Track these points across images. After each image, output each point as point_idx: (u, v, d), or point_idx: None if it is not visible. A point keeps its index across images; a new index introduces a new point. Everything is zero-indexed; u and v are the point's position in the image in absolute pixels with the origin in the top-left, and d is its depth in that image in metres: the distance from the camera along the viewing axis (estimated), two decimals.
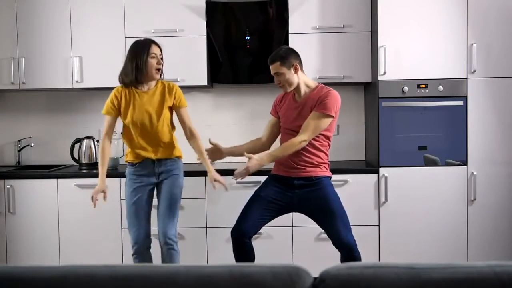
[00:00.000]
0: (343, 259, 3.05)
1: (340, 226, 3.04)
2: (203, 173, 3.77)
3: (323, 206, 3.07)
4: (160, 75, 3.14)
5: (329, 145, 3.16)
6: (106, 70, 3.99)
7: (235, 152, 3.36)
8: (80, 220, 3.82)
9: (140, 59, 3.00)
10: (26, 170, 4.08)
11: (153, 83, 3.12)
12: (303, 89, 3.13)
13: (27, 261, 3.83)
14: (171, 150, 3.18)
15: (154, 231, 3.20)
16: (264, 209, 3.14)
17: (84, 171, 3.97)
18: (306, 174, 3.10)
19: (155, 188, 3.20)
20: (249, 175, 3.10)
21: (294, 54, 3.12)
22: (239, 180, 3.16)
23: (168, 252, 3.12)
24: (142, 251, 3.12)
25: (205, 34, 3.97)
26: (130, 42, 3.92)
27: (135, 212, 3.12)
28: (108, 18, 3.97)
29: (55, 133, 4.38)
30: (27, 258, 3.83)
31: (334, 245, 3.07)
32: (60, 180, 3.84)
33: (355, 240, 3.04)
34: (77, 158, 4.13)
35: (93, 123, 4.35)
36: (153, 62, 3.03)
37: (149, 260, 3.17)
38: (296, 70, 3.09)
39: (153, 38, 3.90)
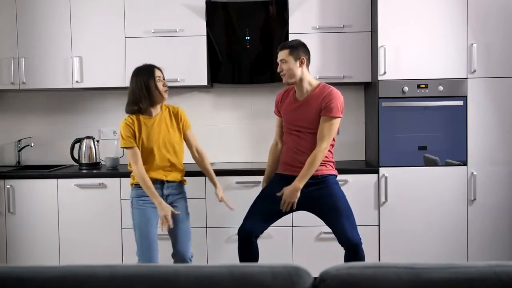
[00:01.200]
0: (347, 257, 3.06)
1: (346, 223, 3.05)
2: (203, 173, 3.77)
3: (330, 204, 3.08)
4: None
5: (333, 144, 3.18)
6: (106, 70, 3.99)
7: (270, 176, 3.33)
8: (80, 220, 3.82)
9: (149, 84, 3.00)
10: (26, 170, 4.08)
11: (158, 108, 3.10)
12: (305, 87, 3.13)
13: (27, 261, 3.83)
14: (181, 173, 3.19)
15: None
16: (270, 208, 3.15)
17: (84, 171, 3.97)
18: (316, 173, 3.11)
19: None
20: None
21: (305, 49, 3.14)
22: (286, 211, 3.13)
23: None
24: None
25: (205, 34, 3.97)
26: (130, 42, 3.97)
27: (152, 242, 3.04)
28: (108, 18, 3.97)
29: (55, 133, 4.38)
30: (27, 258, 3.83)
31: (339, 242, 3.08)
32: (60, 180, 3.84)
33: (360, 238, 3.05)
34: (77, 158, 4.13)
35: (93, 123, 4.35)
36: (160, 85, 3.04)
37: None
38: (301, 64, 3.10)
39: (153, 38, 3.94)
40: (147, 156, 3.05)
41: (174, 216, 3.06)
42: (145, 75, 3.02)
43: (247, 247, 3.16)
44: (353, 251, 3.04)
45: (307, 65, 3.14)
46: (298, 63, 3.09)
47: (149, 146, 3.03)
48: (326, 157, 3.12)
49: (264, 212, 3.17)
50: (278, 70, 3.15)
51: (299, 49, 3.11)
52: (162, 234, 3.19)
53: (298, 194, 3.05)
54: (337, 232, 3.08)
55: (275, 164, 3.31)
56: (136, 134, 3.03)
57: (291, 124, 3.18)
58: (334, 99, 3.05)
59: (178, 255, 3.15)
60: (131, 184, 3.13)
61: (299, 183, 3.04)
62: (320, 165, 3.10)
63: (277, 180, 3.23)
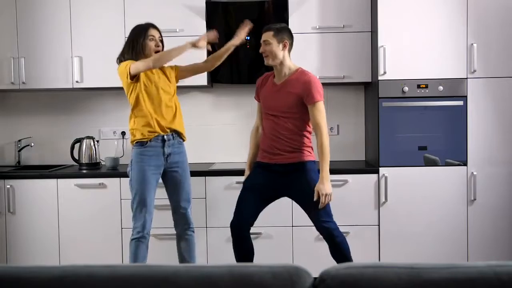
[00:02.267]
0: (329, 246, 3.15)
1: (319, 211, 3.10)
2: (203, 173, 3.78)
3: (306, 190, 3.12)
4: None
5: (310, 131, 3.20)
6: (106, 70, 3.98)
7: (252, 162, 3.38)
8: (80, 220, 3.82)
9: (137, 42, 3.13)
10: (26, 170, 4.08)
11: None
12: (284, 71, 3.19)
13: (27, 261, 3.83)
14: (181, 125, 3.29)
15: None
16: (255, 197, 3.21)
17: (84, 171, 3.97)
18: (289, 160, 3.15)
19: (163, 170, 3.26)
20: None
21: (289, 33, 3.23)
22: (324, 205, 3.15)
23: (190, 238, 3.30)
24: (145, 239, 3.20)
25: None
26: None
27: (148, 207, 3.18)
28: (108, 18, 3.97)
29: (55, 133, 4.38)
30: (27, 258, 3.83)
31: (317, 230, 3.17)
32: (60, 180, 3.84)
33: (336, 224, 3.12)
34: (77, 158, 4.13)
35: (93, 123, 4.35)
36: (151, 44, 3.15)
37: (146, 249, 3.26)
38: (284, 47, 3.17)
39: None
40: (153, 99, 3.15)
41: (174, 179, 3.23)
42: (137, 32, 3.15)
43: (241, 242, 3.22)
44: (329, 238, 3.12)
45: (289, 50, 3.22)
46: (281, 46, 3.16)
47: (154, 86, 3.15)
48: (304, 142, 3.16)
49: (251, 202, 3.22)
50: (260, 51, 3.22)
51: (284, 33, 3.19)
52: (161, 236, 3.19)
53: (329, 183, 3.08)
54: (313, 219, 3.16)
55: (257, 149, 3.36)
56: (141, 75, 3.14)
57: (268, 109, 3.22)
58: (314, 85, 3.10)
59: (180, 219, 3.26)
60: (132, 142, 3.21)
61: (324, 173, 3.08)
62: (296, 151, 3.14)
63: (256, 169, 3.28)
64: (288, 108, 3.13)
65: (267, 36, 3.18)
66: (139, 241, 3.18)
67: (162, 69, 3.29)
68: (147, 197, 3.17)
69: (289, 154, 3.15)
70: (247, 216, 3.22)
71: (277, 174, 3.16)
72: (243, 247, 3.25)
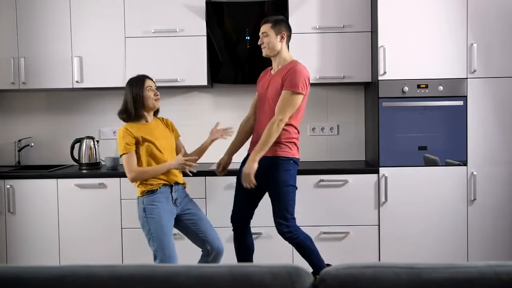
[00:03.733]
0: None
1: (275, 208, 3.19)
2: (203, 173, 3.78)
3: (269, 187, 3.20)
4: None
5: (294, 125, 3.20)
6: (106, 70, 3.99)
7: (234, 150, 3.47)
8: (80, 220, 3.82)
9: (137, 95, 3.13)
10: (26, 170, 4.08)
11: (151, 116, 3.23)
12: (279, 62, 3.25)
13: (27, 261, 3.83)
14: (181, 175, 3.28)
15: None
16: (245, 191, 3.23)
17: (84, 171, 3.97)
18: (266, 153, 3.17)
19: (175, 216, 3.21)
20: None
21: (287, 26, 3.29)
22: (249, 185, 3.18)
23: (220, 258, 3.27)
24: None
25: (205, 34, 3.97)
26: (130, 42, 3.97)
27: (171, 251, 3.09)
28: (108, 18, 3.97)
29: (55, 133, 4.38)
30: (27, 258, 3.83)
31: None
32: (60, 180, 3.84)
33: (287, 227, 3.17)
34: (77, 158, 4.13)
35: (93, 123, 4.35)
36: (150, 94, 3.16)
37: None
38: (282, 39, 3.23)
39: (153, 38, 3.93)
40: (158, 156, 3.12)
41: (191, 217, 3.20)
42: (134, 84, 3.16)
43: (240, 236, 3.35)
44: (284, 238, 3.20)
45: (287, 42, 3.28)
46: (279, 38, 3.22)
47: (161, 146, 3.13)
48: (284, 136, 3.15)
49: (243, 198, 3.31)
50: (259, 43, 3.28)
51: (282, 25, 3.25)
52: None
53: (255, 166, 3.10)
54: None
55: (241, 136, 3.43)
56: (140, 139, 3.09)
57: (260, 100, 3.30)
58: (295, 73, 3.11)
59: (215, 250, 3.21)
60: (141, 193, 3.11)
61: (255, 154, 3.12)
62: (276, 145, 3.15)
63: (244, 161, 3.32)
64: (273, 96, 3.17)
65: (266, 28, 3.24)
66: None
67: (165, 123, 3.30)
68: (170, 245, 3.06)
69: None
70: (243, 210, 3.33)
71: (258, 167, 3.15)
72: (242, 241, 3.35)
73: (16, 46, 4.00)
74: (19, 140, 4.33)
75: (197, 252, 3.67)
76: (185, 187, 3.30)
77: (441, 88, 3.72)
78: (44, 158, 4.38)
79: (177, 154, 3.25)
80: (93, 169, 4.05)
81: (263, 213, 3.48)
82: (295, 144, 3.22)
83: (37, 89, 4.14)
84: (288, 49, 3.32)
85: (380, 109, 3.76)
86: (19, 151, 4.33)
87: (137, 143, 3.10)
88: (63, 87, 4.05)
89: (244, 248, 3.38)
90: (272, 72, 3.29)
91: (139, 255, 3.71)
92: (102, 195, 3.81)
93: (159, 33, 3.94)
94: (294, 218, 3.22)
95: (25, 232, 3.85)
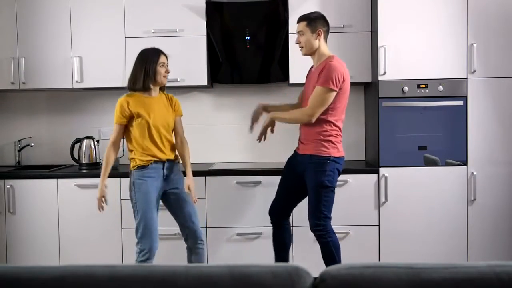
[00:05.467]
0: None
1: (309, 207, 3.18)
2: (203, 173, 3.78)
3: (307, 185, 3.19)
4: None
5: (333, 121, 3.17)
6: (106, 70, 3.99)
7: (268, 107, 3.43)
8: (80, 220, 3.82)
9: (149, 67, 3.14)
10: (26, 170, 4.08)
11: (157, 91, 3.25)
12: (317, 59, 3.22)
13: (27, 261, 3.83)
14: (175, 152, 3.31)
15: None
16: (285, 187, 3.32)
17: (84, 171, 3.97)
18: (303, 151, 3.22)
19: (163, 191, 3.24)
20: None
21: (323, 21, 3.22)
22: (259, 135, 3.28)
23: (201, 251, 3.29)
24: (151, 261, 3.20)
25: (205, 34, 3.97)
26: (130, 42, 3.97)
27: (153, 228, 3.15)
28: (108, 18, 3.97)
29: (55, 133, 4.38)
30: (27, 258, 3.83)
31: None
32: (60, 180, 3.84)
33: (318, 224, 3.16)
34: (77, 158, 4.13)
35: (93, 123, 4.35)
36: (161, 70, 3.18)
37: None
38: (318, 36, 3.18)
39: (153, 38, 3.93)
40: (151, 133, 3.16)
41: (177, 196, 3.22)
42: (149, 57, 3.16)
43: (277, 230, 3.39)
44: (315, 235, 3.21)
45: (325, 38, 3.23)
46: (315, 36, 3.18)
47: (154, 123, 3.15)
48: (321, 134, 3.15)
49: (283, 193, 3.35)
50: (295, 42, 3.27)
51: (317, 21, 3.19)
52: (163, 236, 3.19)
53: (269, 115, 3.23)
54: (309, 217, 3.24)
55: (283, 107, 3.41)
56: (134, 111, 3.14)
57: (303, 96, 3.32)
58: (328, 69, 3.10)
59: (191, 234, 3.25)
60: (133, 167, 3.19)
61: (276, 114, 3.23)
62: (314, 143, 3.16)
63: (290, 159, 3.38)
64: (310, 93, 3.17)
65: (301, 26, 3.20)
66: (146, 262, 3.16)
67: (169, 99, 3.31)
68: (153, 220, 3.14)
69: (304, 145, 3.23)
70: (281, 204, 3.35)
71: (296, 164, 3.26)
72: (277, 236, 3.38)
73: (16, 46, 4.00)
74: (19, 140, 4.33)
75: None
76: (178, 162, 3.32)
77: (441, 88, 3.72)
78: (44, 158, 4.38)
79: (175, 133, 3.31)
80: (93, 169, 4.05)
81: (263, 213, 3.48)
82: (332, 142, 3.17)
83: (37, 89, 4.14)
84: (326, 42, 3.28)
85: (380, 109, 3.76)
86: (19, 151, 4.33)
87: (131, 117, 3.16)
88: (63, 87, 4.05)
89: (279, 244, 3.40)
90: (313, 68, 3.29)
91: None
92: None
93: (159, 33, 3.94)
94: (329, 218, 3.19)
95: (25, 232, 3.85)
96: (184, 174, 3.29)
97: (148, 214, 3.11)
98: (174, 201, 3.25)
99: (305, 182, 3.20)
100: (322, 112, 3.12)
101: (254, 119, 3.35)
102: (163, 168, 3.19)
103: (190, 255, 3.32)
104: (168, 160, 3.21)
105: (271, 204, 3.40)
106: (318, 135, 3.15)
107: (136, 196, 3.15)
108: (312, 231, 3.21)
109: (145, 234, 3.11)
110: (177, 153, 3.32)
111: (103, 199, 3.18)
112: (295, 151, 3.36)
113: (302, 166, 3.20)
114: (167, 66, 3.22)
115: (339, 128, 3.21)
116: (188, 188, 3.22)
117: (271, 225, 3.43)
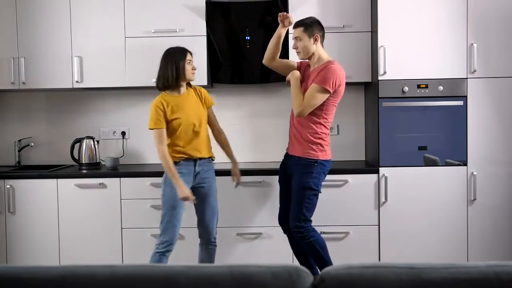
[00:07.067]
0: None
1: (292, 209, 3.20)
2: None
3: (293, 188, 3.21)
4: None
5: (324, 124, 3.20)
6: (106, 70, 3.99)
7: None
8: (80, 220, 3.82)
9: (178, 64, 3.22)
10: (26, 170, 4.08)
11: (185, 87, 3.32)
12: (315, 62, 3.25)
13: (27, 261, 3.83)
14: (209, 149, 3.39)
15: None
16: (285, 194, 3.33)
17: (84, 171, 3.97)
18: (293, 152, 3.25)
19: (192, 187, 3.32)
20: None
21: (319, 26, 3.27)
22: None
23: (212, 251, 3.41)
24: (170, 253, 3.27)
25: (205, 34, 3.97)
26: (130, 42, 3.97)
27: (176, 224, 3.25)
28: (108, 18, 3.97)
29: (55, 133, 4.38)
30: (27, 258, 3.83)
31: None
32: (60, 180, 3.84)
33: (298, 226, 3.18)
34: (77, 158, 4.13)
35: (93, 123, 4.35)
36: (189, 67, 3.26)
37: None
38: (315, 41, 3.22)
39: (153, 38, 3.93)
40: (184, 132, 3.23)
41: (202, 193, 3.31)
42: (177, 55, 3.24)
43: (290, 237, 3.37)
44: (297, 237, 3.23)
45: (321, 42, 3.27)
46: (312, 40, 3.21)
47: (187, 122, 3.23)
48: (313, 136, 3.17)
49: (284, 199, 3.37)
50: (292, 47, 3.30)
51: (313, 27, 3.23)
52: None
53: (291, 74, 3.27)
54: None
55: (290, 65, 3.42)
56: (168, 113, 3.21)
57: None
58: (328, 70, 3.14)
59: (206, 232, 3.36)
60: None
61: (295, 81, 3.25)
62: (304, 144, 3.18)
63: (281, 164, 3.40)
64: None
65: (298, 32, 3.24)
66: (164, 255, 3.24)
67: (198, 92, 3.37)
68: (178, 215, 3.24)
69: (295, 146, 3.24)
70: (285, 212, 3.35)
71: (286, 168, 3.31)
72: (294, 242, 3.37)
73: (16, 46, 4.00)
74: (19, 140, 4.33)
75: (198, 253, 3.69)
76: (213, 160, 3.41)
77: (441, 88, 3.71)
78: (44, 158, 4.38)
79: (210, 126, 3.42)
80: (93, 169, 4.05)
81: (263, 213, 3.48)
82: (321, 145, 3.20)
83: (37, 89, 4.14)
84: (323, 46, 3.31)
85: (380, 109, 3.76)
86: (19, 151, 4.33)
87: (167, 121, 3.24)
88: (63, 87, 4.05)
89: (300, 253, 3.40)
90: (310, 68, 3.30)
91: (139, 255, 3.71)
92: (102, 195, 3.82)
93: (159, 33, 3.94)
94: (309, 221, 3.23)
95: (25, 232, 3.85)
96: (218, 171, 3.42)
97: (174, 209, 3.22)
98: (197, 196, 3.30)
99: (292, 183, 3.24)
100: (317, 115, 3.17)
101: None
102: (194, 166, 3.27)
103: (201, 251, 3.41)
104: (200, 158, 3.28)
105: (278, 214, 3.44)
106: (309, 136, 3.18)
107: (165, 190, 3.24)
108: (292, 232, 3.24)
109: (168, 228, 3.23)
110: (212, 151, 3.40)
111: (190, 197, 3.21)
112: (286, 153, 3.39)
113: (290, 168, 3.26)
114: (193, 63, 3.30)
115: (328, 131, 3.27)
116: (235, 175, 3.43)
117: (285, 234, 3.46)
